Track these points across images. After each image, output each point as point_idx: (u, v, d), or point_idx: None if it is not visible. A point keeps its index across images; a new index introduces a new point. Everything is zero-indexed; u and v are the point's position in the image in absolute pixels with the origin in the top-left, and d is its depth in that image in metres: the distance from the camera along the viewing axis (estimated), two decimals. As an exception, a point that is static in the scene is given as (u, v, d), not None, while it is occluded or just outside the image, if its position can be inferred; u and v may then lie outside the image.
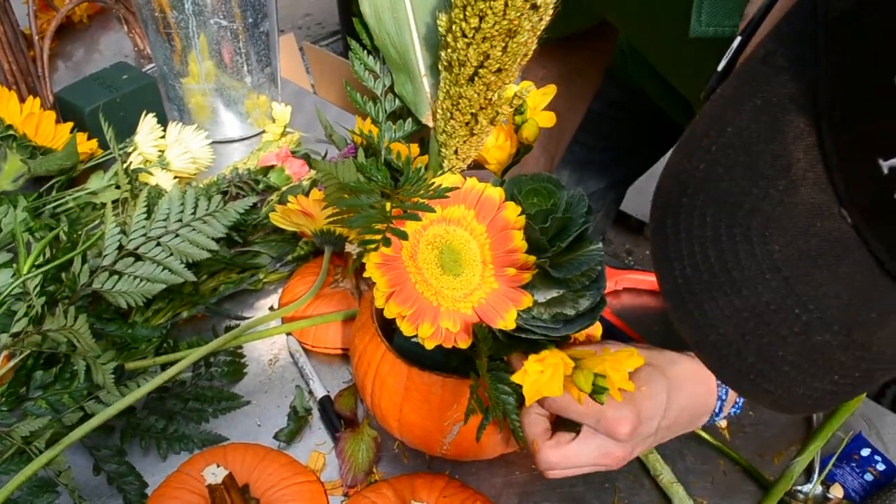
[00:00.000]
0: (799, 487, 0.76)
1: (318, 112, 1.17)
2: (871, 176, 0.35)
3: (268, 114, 1.25)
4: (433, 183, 0.58)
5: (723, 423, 0.82)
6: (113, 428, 0.80)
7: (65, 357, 0.83)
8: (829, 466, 0.78)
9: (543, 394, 0.56)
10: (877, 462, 0.77)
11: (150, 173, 1.06)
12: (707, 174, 0.41)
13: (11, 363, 0.82)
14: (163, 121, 1.12)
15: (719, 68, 0.48)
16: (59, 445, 0.68)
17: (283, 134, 1.20)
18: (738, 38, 0.48)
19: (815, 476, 0.77)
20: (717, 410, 0.66)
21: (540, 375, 0.56)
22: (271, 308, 0.96)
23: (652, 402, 0.60)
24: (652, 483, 0.77)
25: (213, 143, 1.18)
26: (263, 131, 1.23)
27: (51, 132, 1.05)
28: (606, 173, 1.35)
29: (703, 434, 0.80)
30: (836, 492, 0.76)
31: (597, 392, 0.55)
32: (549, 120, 0.60)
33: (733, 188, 0.39)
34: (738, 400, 0.68)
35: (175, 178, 1.09)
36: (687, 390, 0.63)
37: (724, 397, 0.65)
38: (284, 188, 1.06)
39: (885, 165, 0.34)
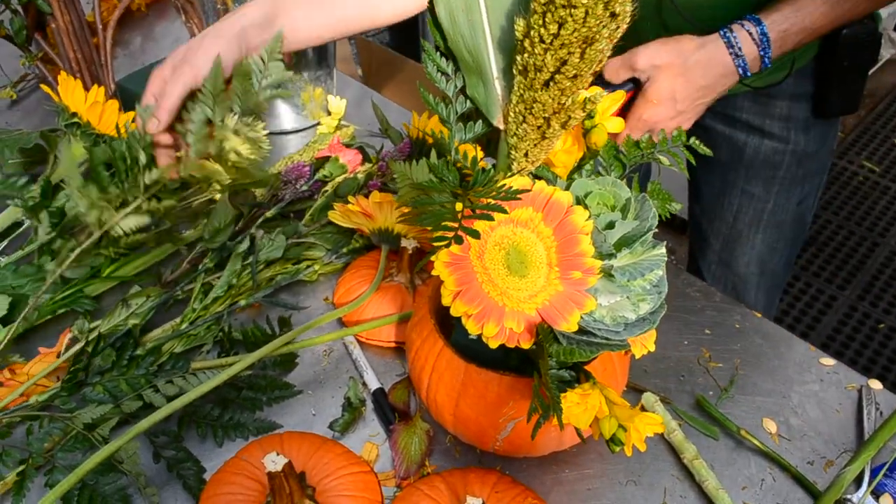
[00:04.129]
0: (849, 496, 0.76)
1: (374, 107, 1.18)
2: None
3: (323, 106, 1.26)
4: (503, 185, 0.59)
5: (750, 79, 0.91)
6: (170, 415, 0.82)
7: (125, 343, 0.85)
8: (880, 476, 0.78)
9: (571, 422, 0.59)
10: (929, 474, 0.77)
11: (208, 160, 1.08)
12: None
13: (76, 347, 0.84)
14: (220, 111, 1.14)
15: None
16: (127, 435, 0.69)
17: (339, 127, 1.21)
18: None
19: (865, 486, 0.77)
20: (741, 70, 0.87)
21: (576, 406, 0.59)
22: (325, 299, 0.97)
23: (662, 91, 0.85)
24: (700, 487, 0.77)
25: (269, 134, 1.19)
26: (318, 123, 1.24)
27: (114, 121, 1.07)
28: None
29: (754, 440, 0.80)
30: (886, 502, 0.76)
31: (613, 441, 0.59)
32: (618, 125, 0.61)
33: None
34: (763, 54, 0.87)
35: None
36: (699, 70, 0.86)
37: (741, 55, 0.86)
38: (339, 179, 1.07)
39: None
